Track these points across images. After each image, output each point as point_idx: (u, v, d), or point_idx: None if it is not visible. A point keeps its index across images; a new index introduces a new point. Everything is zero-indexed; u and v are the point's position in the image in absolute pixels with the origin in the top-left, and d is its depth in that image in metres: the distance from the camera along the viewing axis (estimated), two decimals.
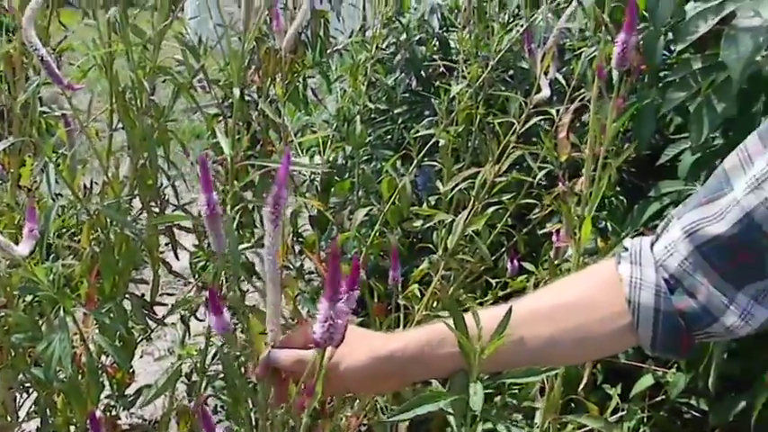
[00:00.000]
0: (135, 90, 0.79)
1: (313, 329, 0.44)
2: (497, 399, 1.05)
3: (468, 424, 0.55)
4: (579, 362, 0.81)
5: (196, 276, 1.28)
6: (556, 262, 1.04)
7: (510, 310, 0.57)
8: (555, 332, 0.59)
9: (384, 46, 1.59)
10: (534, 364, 0.60)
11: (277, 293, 0.53)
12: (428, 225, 1.35)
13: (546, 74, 1.18)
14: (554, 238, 1.06)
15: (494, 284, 1.35)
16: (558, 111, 1.05)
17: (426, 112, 1.70)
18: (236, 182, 1.23)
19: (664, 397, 1.27)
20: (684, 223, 0.60)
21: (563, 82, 1.25)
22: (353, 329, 0.60)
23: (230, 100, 1.45)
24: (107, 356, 0.89)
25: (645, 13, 0.93)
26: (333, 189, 1.62)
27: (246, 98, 1.36)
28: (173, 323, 1.22)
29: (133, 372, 0.96)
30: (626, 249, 0.63)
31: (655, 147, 1.40)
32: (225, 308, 0.50)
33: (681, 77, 0.89)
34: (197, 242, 1.23)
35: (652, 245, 0.62)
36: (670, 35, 1.06)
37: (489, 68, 1.31)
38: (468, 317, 0.58)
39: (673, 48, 0.91)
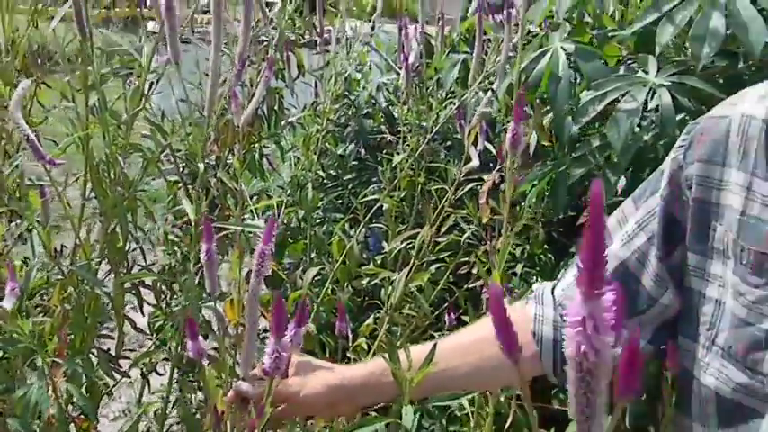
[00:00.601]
0: (108, 164, 0.90)
1: (263, 361, 0.54)
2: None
3: None
4: (499, 386, 0.93)
5: (154, 335, 1.36)
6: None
7: (435, 345, 0.69)
8: (476, 361, 0.72)
9: (335, 119, 1.74)
10: (461, 389, 0.72)
11: (253, 334, 0.63)
12: (374, 282, 1.46)
13: (475, 145, 1.34)
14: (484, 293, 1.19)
15: (437, 338, 1.46)
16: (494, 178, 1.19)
17: (374, 179, 1.84)
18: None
19: None
20: (575, 270, 0.74)
21: (494, 152, 1.41)
22: (311, 362, 0.72)
23: (190, 168, 1.56)
24: (73, 407, 0.96)
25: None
26: (286, 250, 1.73)
27: (206, 166, 1.48)
28: (131, 381, 1.29)
29: (98, 422, 1.02)
30: (533, 292, 0.77)
31: (578, 208, 1.57)
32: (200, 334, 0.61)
33: (581, 153, 1.05)
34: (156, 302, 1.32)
35: (553, 288, 0.76)
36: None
37: (427, 140, 1.46)
38: (403, 353, 0.70)
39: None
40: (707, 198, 0.64)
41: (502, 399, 1.18)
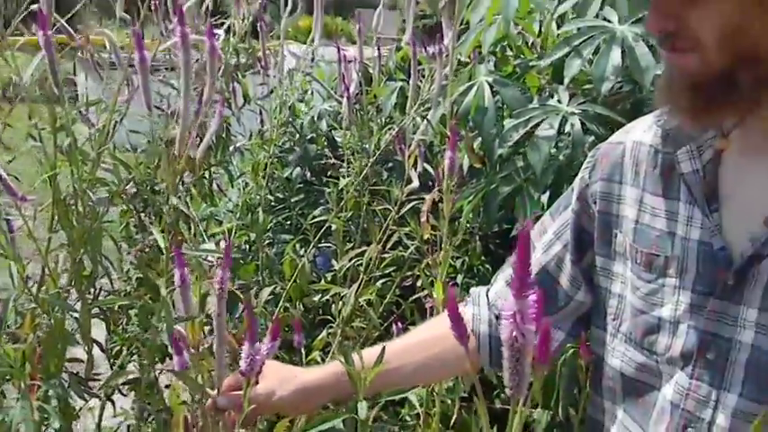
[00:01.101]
0: (77, 198, 0.97)
1: (239, 365, 0.63)
2: None
3: None
4: (445, 378, 1.05)
5: (111, 361, 1.41)
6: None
7: (384, 347, 0.80)
8: (423, 359, 0.83)
9: (280, 145, 1.83)
10: (411, 384, 0.82)
11: (222, 350, 0.72)
12: (326, 299, 1.55)
13: (415, 167, 1.46)
14: (427, 302, 1.30)
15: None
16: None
17: (320, 200, 1.94)
18: (149, 270, 1.42)
19: None
20: (506, 275, 0.86)
21: (432, 173, 1.53)
22: (283, 367, 0.82)
23: (141, 197, 1.62)
24: (46, 428, 1.01)
25: None
26: (238, 272, 1.80)
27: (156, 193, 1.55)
28: (90, 407, 1.33)
29: None
30: (470, 296, 0.89)
31: (510, 220, 1.71)
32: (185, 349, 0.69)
33: (507, 173, 1.19)
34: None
35: (488, 291, 0.88)
36: None
37: (371, 163, 1.57)
38: (356, 356, 0.80)
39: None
40: (609, 210, 0.77)
41: (449, 401, 1.29)
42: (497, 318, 0.84)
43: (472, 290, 0.88)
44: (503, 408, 1.58)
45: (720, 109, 0.64)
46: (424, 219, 1.09)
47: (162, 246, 0.88)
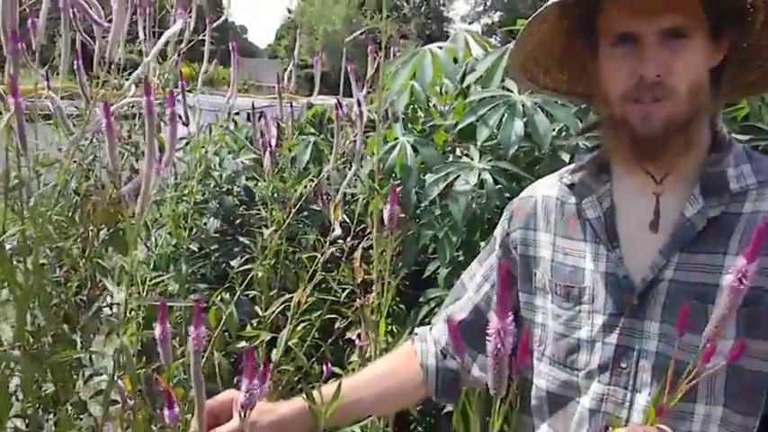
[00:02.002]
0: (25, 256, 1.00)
1: (239, 399, 0.71)
2: None
3: None
4: (399, 409, 1.14)
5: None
6: (359, 359, 1.37)
7: (340, 384, 0.89)
8: (378, 391, 0.93)
9: (198, 197, 1.88)
10: (372, 413, 0.93)
11: (201, 393, 0.78)
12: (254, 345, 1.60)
13: (336, 218, 1.57)
14: (357, 341, 1.40)
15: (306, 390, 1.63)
16: (350, 244, 1.43)
17: (236, 249, 1.99)
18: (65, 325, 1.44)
19: None
20: (444, 316, 0.99)
21: (348, 220, 1.65)
22: (262, 404, 0.89)
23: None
24: None
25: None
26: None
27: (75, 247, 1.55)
28: None
29: None
30: (416, 334, 1.01)
31: (421, 264, 1.85)
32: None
33: (427, 221, 1.34)
34: None
35: (431, 329, 1.00)
36: None
37: (292, 213, 1.66)
38: (317, 393, 0.89)
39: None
40: (528, 253, 0.93)
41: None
42: (443, 353, 0.97)
43: (418, 329, 1.01)
44: None
45: (664, 157, 0.78)
46: (356, 264, 1.20)
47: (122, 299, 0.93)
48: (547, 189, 0.94)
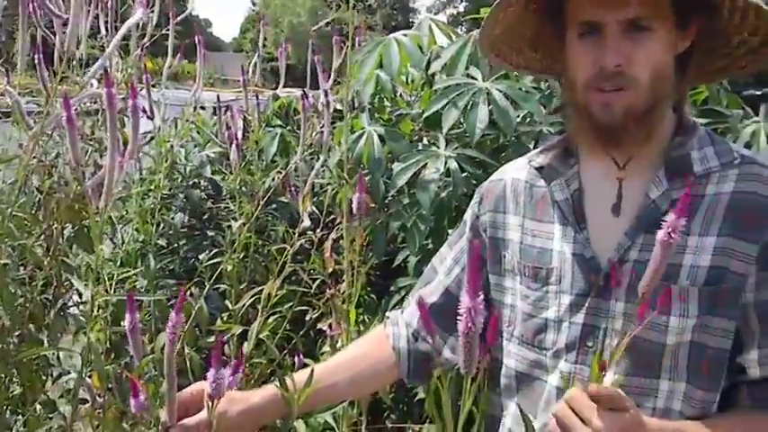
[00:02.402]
0: None
1: (207, 389, 0.71)
2: None
3: None
4: (372, 391, 1.14)
5: None
6: (331, 350, 1.38)
7: (313, 370, 0.90)
8: (351, 375, 0.94)
9: (165, 192, 1.85)
10: (346, 397, 0.93)
11: (173, 388, 0.77)
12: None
13: (305, 209, 1.57)
14: (328, 331, 1.41)
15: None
16: (320, 235, 1.43)
17: (204, 243, 1.97)
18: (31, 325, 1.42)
19: None
20: (416, 299, 1.01)
21: (317, 211, 1.65)
22: (233, 393, 0.89)
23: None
24: None
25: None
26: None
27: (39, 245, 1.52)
28: None
29: None
30: (388, 318, 1.01)
31: (391, 253, 1.86)
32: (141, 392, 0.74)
33: (396, 210, 1.34)
34: None
35: (402, 312, 1.01)
36: None
37: (260, 206, 1.65)
38: (289, 379, 0.90)
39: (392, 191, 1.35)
40: (497, 236, 0.94)
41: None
42: (414, 336, 0.98)
43: (390, 313, 1.02)
44: (395, 426, 1.72)
45: (625, 144, 0.80)
46: (327, 254, 1.21)
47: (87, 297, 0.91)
48: (516, 172, 0.96)
